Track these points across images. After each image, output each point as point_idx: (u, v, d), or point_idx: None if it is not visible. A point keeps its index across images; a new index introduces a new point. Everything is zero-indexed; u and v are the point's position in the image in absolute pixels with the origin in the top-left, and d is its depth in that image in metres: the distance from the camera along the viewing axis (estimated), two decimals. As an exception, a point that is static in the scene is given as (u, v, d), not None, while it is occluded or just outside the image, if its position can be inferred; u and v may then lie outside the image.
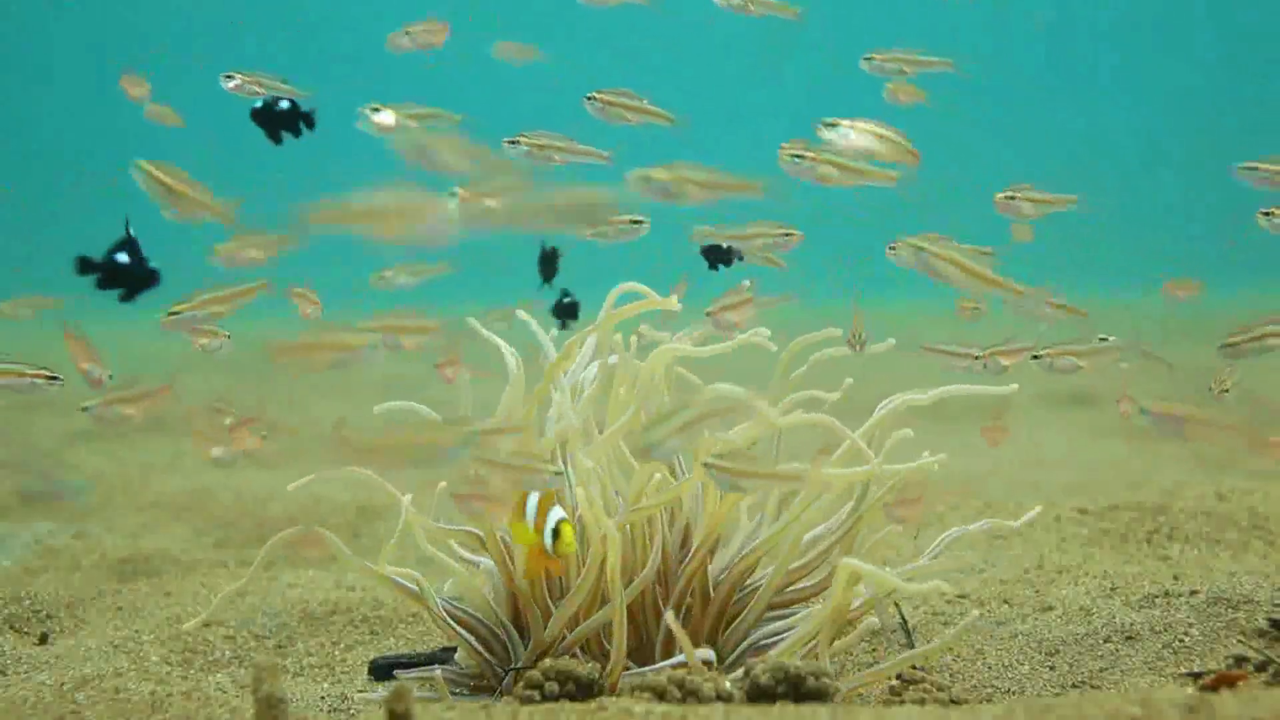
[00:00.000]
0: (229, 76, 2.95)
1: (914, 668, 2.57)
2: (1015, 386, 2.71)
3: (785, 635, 2.53)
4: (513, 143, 2.72)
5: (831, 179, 2.53)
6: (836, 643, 2.57)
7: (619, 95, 2.81)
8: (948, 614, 3.18)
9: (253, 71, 2.94)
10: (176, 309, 2.64)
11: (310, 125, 2.86)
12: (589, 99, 2.81)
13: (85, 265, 2.52)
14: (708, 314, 2.61)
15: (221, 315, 2.67)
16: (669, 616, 2.31)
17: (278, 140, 2.83)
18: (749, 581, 2.69)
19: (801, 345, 2.77)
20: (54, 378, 2.45)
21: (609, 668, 2.36)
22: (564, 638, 2.52)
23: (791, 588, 2.68)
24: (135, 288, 2.54)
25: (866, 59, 3.06)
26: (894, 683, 2.52)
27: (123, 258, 2.52)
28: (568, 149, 2.76)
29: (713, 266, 2.91)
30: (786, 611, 2.66)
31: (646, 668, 2.46)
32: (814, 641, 2.44)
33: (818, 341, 2.78)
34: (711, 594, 2.62)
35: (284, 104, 2.83)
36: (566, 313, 3.04)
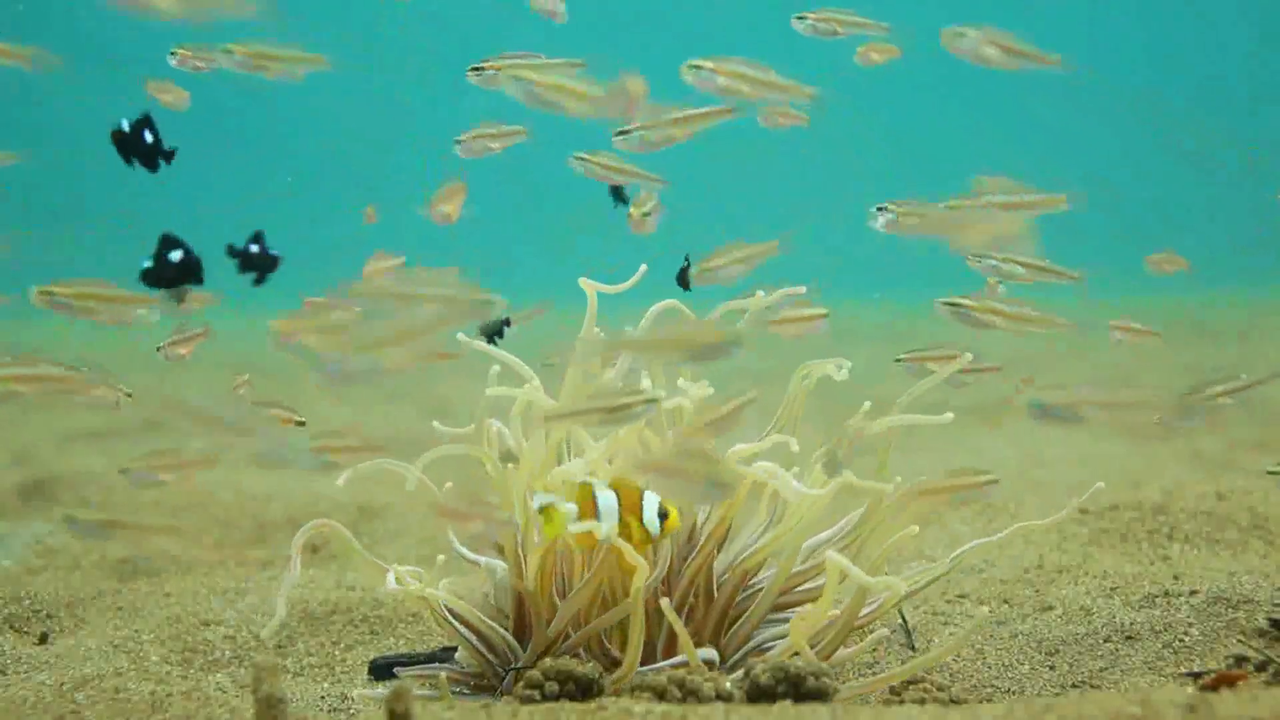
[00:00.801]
0: (173, 53, 2.81)
1: (914, 668, 2.57)
2: (950, 416, 2.69)
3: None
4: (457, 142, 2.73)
5: (740, 91, 2.50)
6: (841, 653, 2.56)
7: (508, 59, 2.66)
8: (948, 614, 3.18)
9: (199, 45, 2.77)
10: (49, 289, 2.46)
11: (168, 160, 2.82)
12: (475, 70, 2.64)
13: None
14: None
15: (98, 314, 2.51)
16: (664, 604, 2.31)
17: (129, 164, 2.80)
18: (753, 582, 2.68)
19: (807, 370, 2.77)
20: None
21: (616, 676, 2.36)
22: (568, 636, 2.52)
23: (799, 589, 2.67)
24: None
25: (799, 19, 2.98)
26: (894, 682, 2.52)
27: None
28: (501, 134, 2.74)
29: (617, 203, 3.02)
30: (792, 614, 2.65)
31: (646, 667, 2.46)
32: (817, 646, 2.45)
33: (822, 369, 2.77)
34: (715, 593, 2.61)
35: (147, 136, 2.76)
36: (494, 332, 3.01)
